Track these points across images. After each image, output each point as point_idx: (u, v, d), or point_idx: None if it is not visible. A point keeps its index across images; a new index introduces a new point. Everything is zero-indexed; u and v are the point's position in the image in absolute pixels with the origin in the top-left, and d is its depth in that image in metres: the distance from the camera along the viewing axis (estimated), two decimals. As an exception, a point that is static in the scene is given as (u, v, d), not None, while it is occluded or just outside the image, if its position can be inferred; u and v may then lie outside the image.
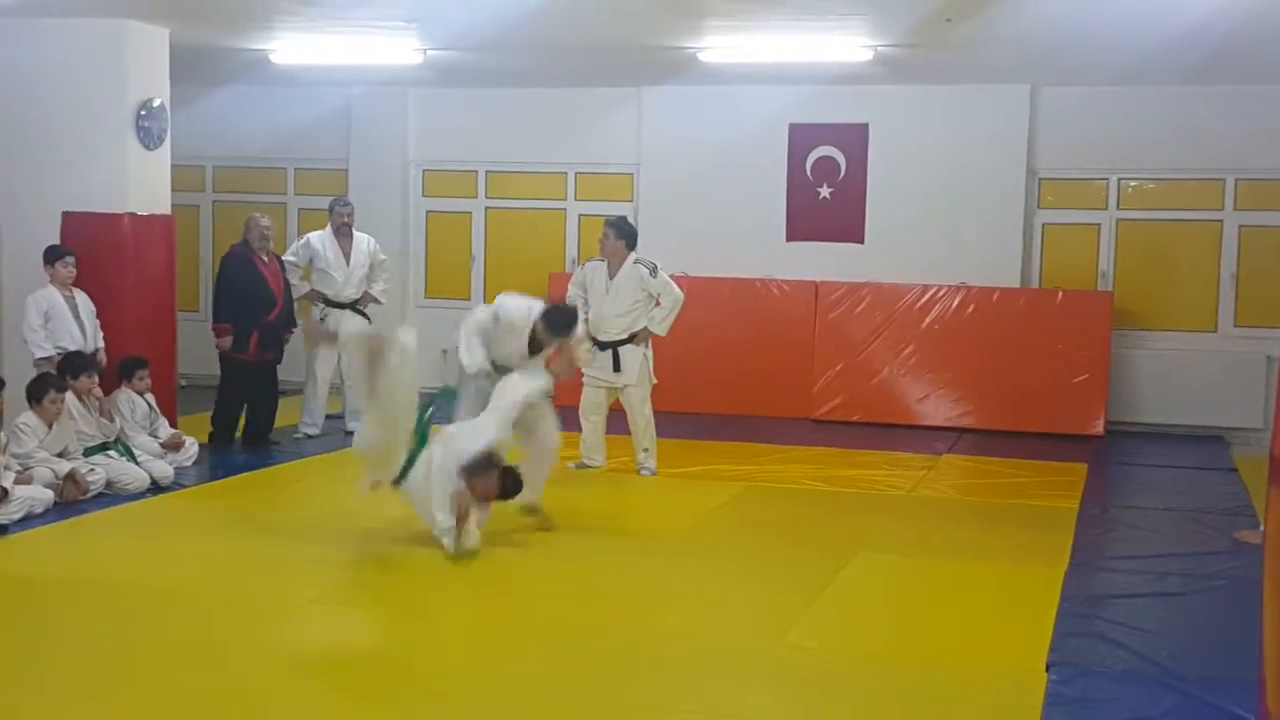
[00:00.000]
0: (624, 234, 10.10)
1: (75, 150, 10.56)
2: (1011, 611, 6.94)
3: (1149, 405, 13.02)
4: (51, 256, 9.86)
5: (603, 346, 9.92)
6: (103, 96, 10.58)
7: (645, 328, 10.00)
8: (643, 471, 10.11)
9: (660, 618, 6.79)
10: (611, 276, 10.03)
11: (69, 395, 9.15)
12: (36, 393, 8.99)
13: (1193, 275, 13.01)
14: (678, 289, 10.07)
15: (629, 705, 5.51)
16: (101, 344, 9.98)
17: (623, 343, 9.99)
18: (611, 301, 10.00)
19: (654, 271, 9.99)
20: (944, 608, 7.07)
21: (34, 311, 9.66)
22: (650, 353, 10.09)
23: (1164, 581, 7.53)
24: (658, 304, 10.03)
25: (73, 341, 9.71)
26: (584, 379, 10.05)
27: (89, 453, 9.24)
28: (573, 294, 10.19)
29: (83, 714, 5.29)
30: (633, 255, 10.05)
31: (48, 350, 9.61)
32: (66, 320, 9.74)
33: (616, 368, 9.99)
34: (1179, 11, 9.37)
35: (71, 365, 9.41)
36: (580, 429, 10.19)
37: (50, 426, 8.99)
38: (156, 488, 9.36)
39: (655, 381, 10.16)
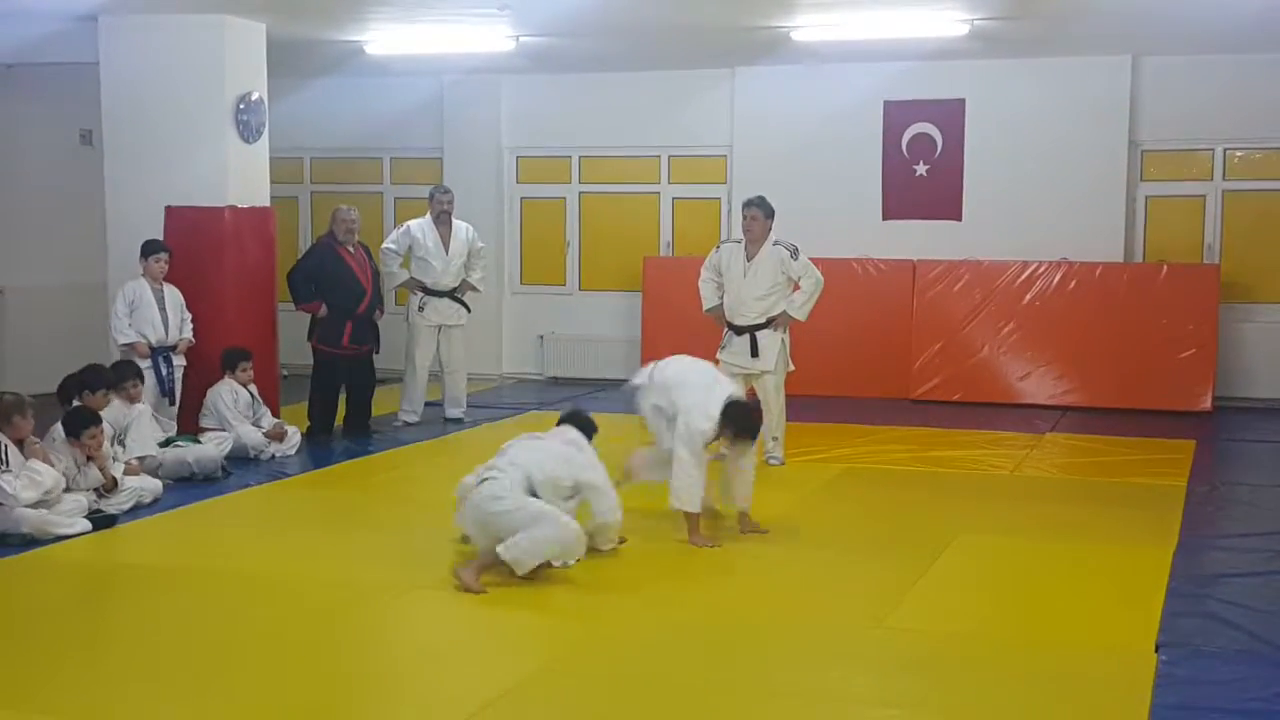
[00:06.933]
0: (771, 214, 9.74)
1: (176, 145, 10.74)
2: (1119, 592, 6.83)
3: (1258, 380, 12.76)
4: (146, 251, 10.19)
5: (739, 331, 9.74)
6: (202, 91, 10.75)
7: (784, 312, 9.69)
8: (770, 461, 9.81)
9: (761, 600, 6.78)
10: (750, 259, 9.71)
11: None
12: (116, 380, 9.21)
13: (1303, 246, 12.71)
14: (818, 272, 9.71)
15: (730, 687, 5.50)
16: (188, 336, 10.27)
17: (760, 327, 9.69)
18: (750, 285, 9.67)
19: (795, 254, 9.63)
20: (1049, 589, 6.97)
21: (121, 301, 10.08)
22: (788, 338, 9.80)
23: (1277, 560, 7.37)
24: (796, 288, 9.74)
25: (154, 332, 10.06)
26: (720, 365, 9.76)
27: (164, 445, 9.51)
28: (705, 277, 9.92)
29: (193, 701, 5.37)
30: (772, 237, 9.73)
31: (131, 337, 10.00)
32: (151, 311, 10.08)
33: (754, 353, 9.68)
34: (1285, -25, 9.16)
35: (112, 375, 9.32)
36: None
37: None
38: (254, 459, 9.97)
39: (793, 368, 9.90)
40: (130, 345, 9.96)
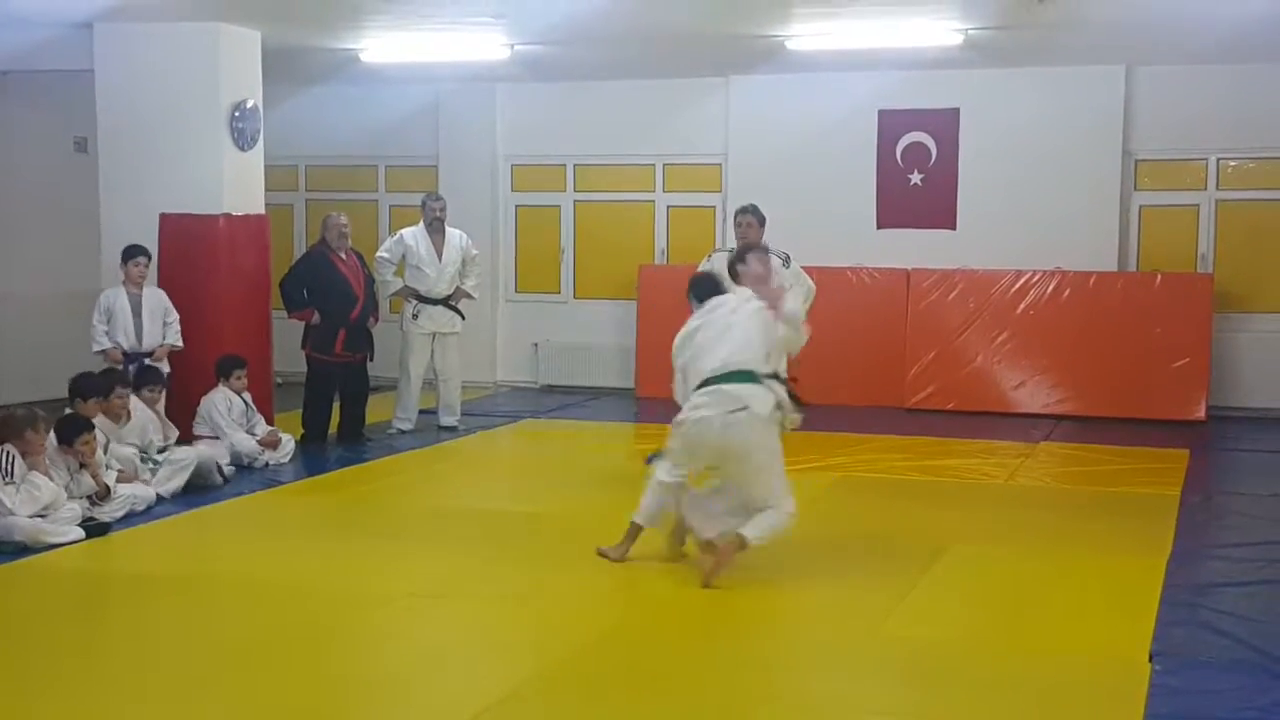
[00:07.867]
0: (764, 221, 9.61)
1: (171, 152, 10.74)
2: (1113, 601, 6.83)
3: (1252, 389, 12.77)
4: (125, 256, 10.25)
5: None
6: (197, 99, 10.75)
7: None
8: None
9: (756, 608, 6.77)
10: None
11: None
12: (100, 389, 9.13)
13: (1296, 256, 12.72)
14: (810, 280, 9.62)
15: (726, 694, 5.49)
16: (169, 341, 10.26)
17: None
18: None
19: (787, 262, 9.47)
20: (1043, 598, 6.96)
21: (98, 309, 10.14)
22: None
23: (1271, 569, 7.37)
24: None
25: (125, 339, 10.11)
26: None
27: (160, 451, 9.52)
28: None
29: (190, 708, 5.35)
30: (764, 245, 9.78)
31: (105, 344, 10.07)
32: (125, 318, 10.14)
33: None
34: (1278, -14, 9.18)
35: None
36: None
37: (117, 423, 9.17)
38: (248, 467, 9.95)
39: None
40: (104, 352, 10.01)
